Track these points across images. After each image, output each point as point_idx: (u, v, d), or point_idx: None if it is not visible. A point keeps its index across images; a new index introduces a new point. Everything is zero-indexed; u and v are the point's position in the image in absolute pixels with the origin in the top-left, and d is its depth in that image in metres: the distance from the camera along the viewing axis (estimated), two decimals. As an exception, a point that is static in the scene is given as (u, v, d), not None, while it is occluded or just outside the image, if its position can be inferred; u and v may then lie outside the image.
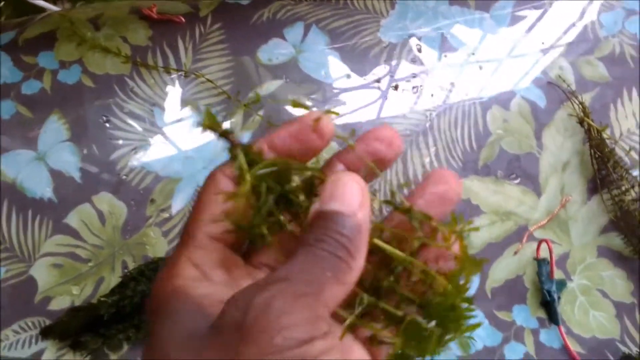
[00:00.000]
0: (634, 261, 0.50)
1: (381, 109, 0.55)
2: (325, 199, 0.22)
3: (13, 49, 0.56)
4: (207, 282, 0.22)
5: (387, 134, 0.25)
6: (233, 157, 0.23)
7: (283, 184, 0.23)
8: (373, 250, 0.23)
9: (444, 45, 0.57)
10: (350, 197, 0.21)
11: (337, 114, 0.23)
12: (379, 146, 0.25)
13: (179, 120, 0.54)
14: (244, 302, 0.19)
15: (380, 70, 0.56)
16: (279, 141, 0.24)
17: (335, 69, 0.56)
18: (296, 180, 0.23)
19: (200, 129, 0.53)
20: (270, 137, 0.24)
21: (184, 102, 0.55)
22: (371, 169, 0.24)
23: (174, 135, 0.54)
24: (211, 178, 0.24)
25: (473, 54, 0.57)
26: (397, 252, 0.23)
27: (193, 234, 0.23)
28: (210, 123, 0.23)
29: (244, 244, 0.25)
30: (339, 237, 0.21)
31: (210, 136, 0.54)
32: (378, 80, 0.56)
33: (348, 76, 0.56)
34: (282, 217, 0.23)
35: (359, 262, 0.21)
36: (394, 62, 0.56)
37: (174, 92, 0.55)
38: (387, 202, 0.25)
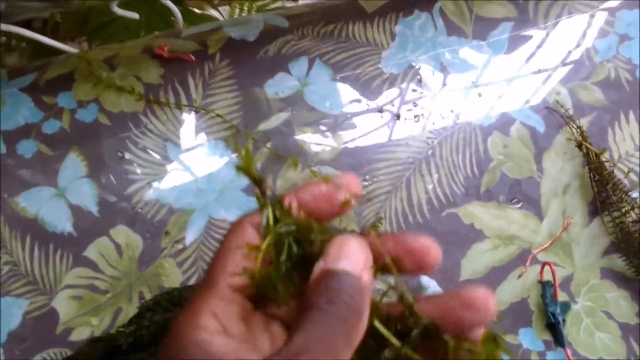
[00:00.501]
0: (637, 282, 0.51)
1: (384, 137, 0.57)
2: (332, 258, 0.22)
3: (34, 90, 0.59)
4: (227, 337, 0.22)
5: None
6: (261, 207, 0.24)
7: (304, 243, 0.23)
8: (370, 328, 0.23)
9: (443, 74, 0.59)
10: (358, 258, 0.22)
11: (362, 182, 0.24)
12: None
13: (190, 154, 0.57)
14: None
15: (383, 99, 0.58)
16: (308, 198, 0.24)
17: (340, 100, 0.58)
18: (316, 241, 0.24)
19: (227, 164, 0.55)
20: (301, 193, 0.25)
21: (194, 137, 0.57)
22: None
23: (186, 169, 0.56)
24: (238, 226, 0.24)
25: (473, 82, 0.59)
26: (393, 339, 0.23)
27: (216, 282, 0.23)
28: (246, 166, 0.23)
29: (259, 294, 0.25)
30: (349, 300, 0.21)
31: (221, 168, 0.56)
32: (381, 110, 0.58)
33: (352, 106, 0.58)
34: (295, 274, 0.24)
35: (364, 324, 0.21)
36: (395, 92, 0.59)
37: (186, 127, 0.58)
38: (391, 287, 0.24)
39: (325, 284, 0.21)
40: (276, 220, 0.23)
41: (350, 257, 0.22)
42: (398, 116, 0.58)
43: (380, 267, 0.23)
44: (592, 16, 0.61)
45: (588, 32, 0.60)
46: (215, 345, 0.21)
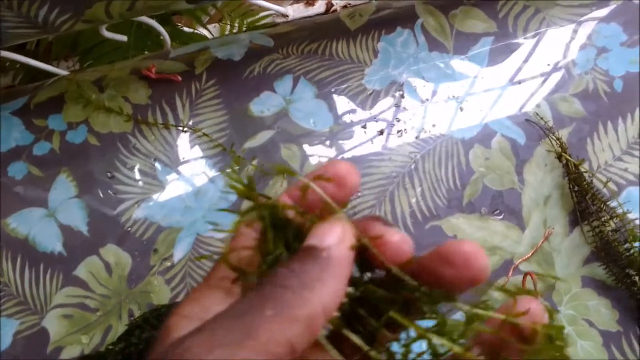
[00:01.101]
0: (618, 290, 0.52)
1: (368, 152, 0.58)
2: (312, 238, 0.21)
3: (25, 113, 0.61)
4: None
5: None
6: (260, 218, 0.23)
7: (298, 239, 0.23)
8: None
9: (425, 88, 0.60)
10: (329, 234, 0.21)
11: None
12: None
13: (178, 173, 0.58)
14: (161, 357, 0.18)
15: (366, 115, 0.60)
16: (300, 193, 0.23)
17: (324, 116, 0.60)
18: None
19: (214, 182, 0.56)
20: (293, 189, 0.24)
21: (182, 156, 0.58)
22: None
23: (174, 187, 0.57)
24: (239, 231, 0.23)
25: (454, 96, 0.60)
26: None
27: (207, 278, 0.22)
28: (247, 193, 0.23)
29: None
30: (296, 267, 0.20)
31: (209, 186, 0.57)
32: (364, 126, 0.59)
33: (337, 122, 0.59)
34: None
35: (320, 297, 0.19)
36: (378, 108, 0.60)
37: (174, 146, 0.59)
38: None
39: (304, 255, 0.20)
40: (274, 225, 0.23)
41: (322, 234, 0.21)
42: (381, 132, 0.59)
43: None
44: (571, 30, 0.63)
45: (567, 45, 0.62)
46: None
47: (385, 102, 0.60)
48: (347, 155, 0.58)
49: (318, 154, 0.58)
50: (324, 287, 0.19)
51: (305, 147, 0.58)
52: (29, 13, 0.50)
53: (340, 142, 0.59)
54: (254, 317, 0.18)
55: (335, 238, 0.21)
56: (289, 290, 0.19)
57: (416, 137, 0.58)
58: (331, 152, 0.58)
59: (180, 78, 0.62)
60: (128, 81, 0.62)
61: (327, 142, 0.59)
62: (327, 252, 0.20)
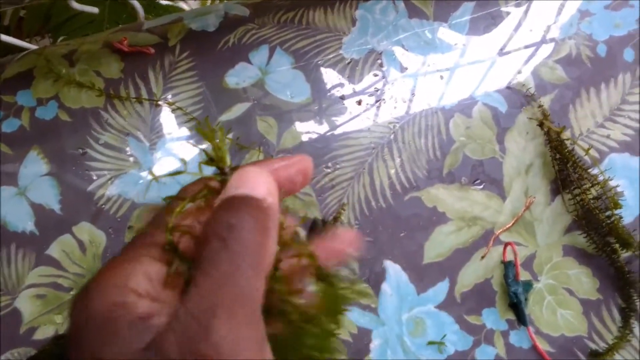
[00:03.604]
0: (598, 258, 0.51)
1: (346, 123, 0.57)
2: (231, 188, 0.21)
3: (-7, 89, 0.59)
4: (153, 301, 0.20)
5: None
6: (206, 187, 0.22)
7: None
8: None
9: (404, 57, 0.59)
10: (260, 185, 0.21)
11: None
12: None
13: (152, 149, 0.56)
14: None
15: (344, 86, 0.58)
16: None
17: (301, 88, 0.58)
18: None
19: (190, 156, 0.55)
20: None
21: (156, 130, 0.57)
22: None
23: (149, 163, 0.56)
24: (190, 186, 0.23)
25: (434, 64, 0.58)
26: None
27: (153, 242, 0.21)
28: (211, 136, 0.22)
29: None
30: (252, 221, 0.19)
31: (183, 161, 0.56)
32: (342, 97, 0.58)
33: (314, 93, 0.58)
34: None
35: (273, 244, 0.20)
36: (356, 78, 0.58)
37: (147, 121, 0.57)
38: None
39: (225, 210, 0.20)
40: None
41: (252, 183, 0.21)
42: (359, 102, 0.57)
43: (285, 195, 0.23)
44: (554, -7, 0.61)
45: (549, 10, 0.60)
46: (141, 309, 0.19)
47: (364, 72, 0.58)
48: (325, 126, 0.57)
49: (296, 126, 0.56)
50: (274, 236, 0.20)
51: (282, 119, 0.57)
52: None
53: (318, 113, 0.57)
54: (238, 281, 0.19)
55: (266, 189, 0.21)
56: (256, 246, 0.19)
57: (395, 107, 0.57)
58: (310, 125, 0.57)
59: (153, 50, 0.60)
60: (100, 55, 0.60)
61: (305, 114, 0.57)
62: (269, 204, 0.20)
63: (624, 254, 0.50)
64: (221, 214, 0.20)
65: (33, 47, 0.65)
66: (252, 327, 0.19)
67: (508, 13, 0.60)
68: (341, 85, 0.58)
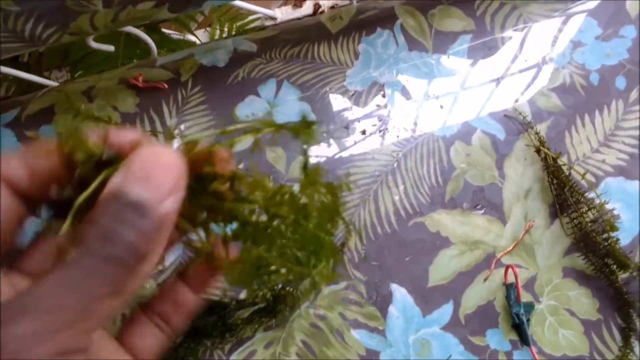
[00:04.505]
0: (597, 279, 0.53)
1: (351, 152, 0.60)
2: (128, 178, 0.18)
3: (17, 125, 0.62)
4: None
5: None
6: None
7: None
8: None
9: (406, 88, 0.62)
10: (162, 180, 0.18)
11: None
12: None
13: (167, 179, 0.59)
14: None
15: (349, 116, 0.61)
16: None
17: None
18: None
19: None
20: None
21: (171, 162, 0.60)
22: None
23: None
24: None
25: (434, 94, 0.61)
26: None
27: None
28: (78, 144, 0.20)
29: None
30: (136, 237, 0.17)
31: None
32: (347, 127, 0.60)
33: (320, 123, 0.60)
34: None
35: (149, 267, 0.18)
36: (360, 108, 0.61)
37: (162, 153, 0.60)
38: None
39: (109, 212, 0.17)
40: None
41: (153, 177, 0.18)
42: (364, 132, 0.60)
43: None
44: (547, 25, 0.64)
45: (543, 40, 0.63)
46: None
47: (367, 103, 0.61)
48: (330, 155, 0.59)
49: (303, 154, 0.59)
50: (156, 256, 0.18)
51: (289, 149, 0.59)
52: (15, 28, 0.52)
53: (325, 142, 0.60)
54: (83, 297, 0.17)
55: (169, 186, 0.18)
56: (128, 269, 0.17)
57: (398, 136, 0.60)
58: (315, 153, 0.59)
59: (166, 86, 0.63)
60: (116, 90, 0.64)
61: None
62: (164, 211, 0.18)
63: (622, 275, 0.52)
64: (106, 216, 0.17)
65: (53, 83, 0.69)
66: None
67: (504, 44, 0.63)
68: (346, 115, 0.61)
